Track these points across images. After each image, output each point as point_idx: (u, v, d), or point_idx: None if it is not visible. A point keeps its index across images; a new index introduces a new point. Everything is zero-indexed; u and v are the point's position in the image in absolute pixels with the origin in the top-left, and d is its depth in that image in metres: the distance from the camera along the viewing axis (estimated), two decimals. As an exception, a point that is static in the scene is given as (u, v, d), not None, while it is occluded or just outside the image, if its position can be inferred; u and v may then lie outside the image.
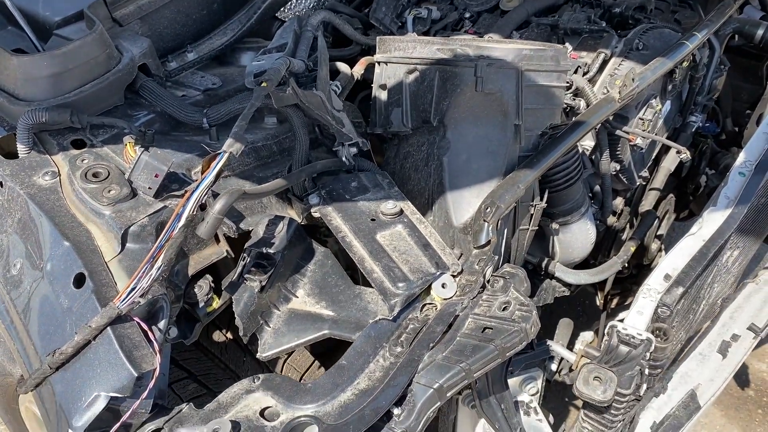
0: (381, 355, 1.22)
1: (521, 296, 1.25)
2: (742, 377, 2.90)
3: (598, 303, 2.43)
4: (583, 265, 1.96)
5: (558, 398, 2.60)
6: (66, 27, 1.56)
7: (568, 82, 1.65)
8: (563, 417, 2.64)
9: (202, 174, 1.16)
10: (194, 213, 1.13)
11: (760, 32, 2.16)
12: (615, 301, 2.45)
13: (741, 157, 1.81)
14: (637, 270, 2.31)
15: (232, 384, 1.20)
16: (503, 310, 1.24)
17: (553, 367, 1.70)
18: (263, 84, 1.31)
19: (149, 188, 1.24)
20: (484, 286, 1.30)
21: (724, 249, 1.79)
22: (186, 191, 1.16)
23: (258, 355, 1.32)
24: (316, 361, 1.68)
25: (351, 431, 1.09)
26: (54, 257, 1.19)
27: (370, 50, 1.99)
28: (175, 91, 1.61)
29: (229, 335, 1.63)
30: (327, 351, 1.72)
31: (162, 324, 1.18)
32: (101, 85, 1.43)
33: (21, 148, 1.35)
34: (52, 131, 1.40)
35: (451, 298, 1.29)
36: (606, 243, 2.09)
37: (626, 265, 2.07)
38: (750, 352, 1.66)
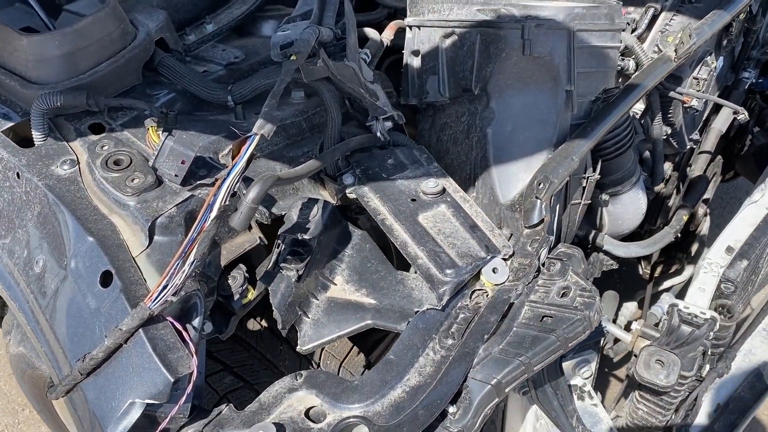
0: (431, 348, 1.13)
1: (581, 280, 1.16)
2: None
3: (641, 272, 2.32)
4: (630, 234, 1.85)
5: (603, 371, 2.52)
6: (77, 1, 1.45)
7: (620, 45, 1.52)
8: (602, 388, 2.56)
9: (232, 160, 1.07)
10: (226, 203, 1.04)
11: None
12: (659, 269, 2.35)
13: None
14: (682, 237, 2.19)
15: (269, 375, 1.13)
16: (562, 296, 1.14)
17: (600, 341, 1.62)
18: (292, 57, 1.20)
19: (176, 176, 1.15)
20: (539, 270, 1.21)
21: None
22: (216, 179, 1.07)
23: (298, 348, 1.24)
24: (355, 347, 1.60)
25: (404, 429, 1.01)
26: (78, 254, 1.11)
27: (397, 13, 1.86)
28: (195, 66, 1.51)
29: (264, 323, 1.56)
30: (365, 336, 1.64)
31: (196, 321, 1.10)
32: (117, 63, 1.33)
33: (36, 135, 1.26)
34: (68, 116, 1.30)
35: (504, 283, 1.19)
36: (653, 210, 1.97)
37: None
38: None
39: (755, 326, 1.54)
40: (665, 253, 2.21)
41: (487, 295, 1.20)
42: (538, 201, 1.24)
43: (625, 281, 2.83)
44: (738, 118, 1.68)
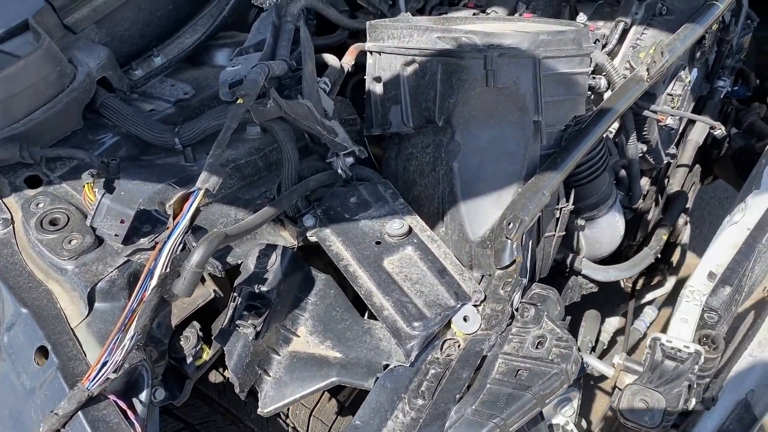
0: (400, 409, 1.06)
1: (557, 328, 1.08)
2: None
3: (622, 285, 2.27)
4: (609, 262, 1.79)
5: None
6: (10, 41, 1.36)
7: (589, 70, 1.45)
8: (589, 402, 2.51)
9: (173, 219, 0.98)
10: (167, 270, 0.95)
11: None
12: (640, 281, 2.29)
13: (783, 126, 1.62)
14: (664, 248, 2.14)
15: (234, 431, 1.05)
16: (538, 346, 1.07)
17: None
18: (239, 100, 1.12)
19: (116, 235, 1.06)
20: (512, 316, 1.13)
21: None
22: (156, 243, 0.98)
23: (259, 411, 1.16)
24: (326, 393, 1.52)
25: None
26: (11, 327, 1.01)
27: (360, 34, 1.78)
28: (142, 104, 1.42)
29: (228, 374, 1.47)
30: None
31: (144, 395, 1.01)
32: (54, 109, 1.24)
33: (-34, 193, 1.17)
34: (1, 168, 1.21)
35: (476, 332, 1.12)
36: (632, 226, 1.91)
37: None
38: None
39: (741, 352, 1.48)
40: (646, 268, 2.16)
41: (459, 346, 1.13)
42: (509, 241, 1.16)
43: (607, 295, 2.78)
44: (716, 133, 1.62)
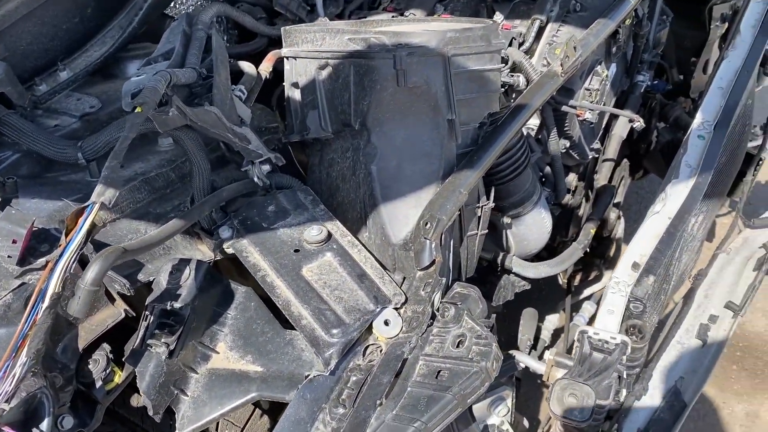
0: (321, 420, 1.02)
1: (477, 326, 1.07)
2: (712, 333, 2.82)
3: (560, 282, 2.29)
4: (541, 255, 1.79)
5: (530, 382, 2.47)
6: None
7: (503, 57, 1.45)
8: (536, 401, 2.52)
9: (66, 236, 0.93)
10: (59, 290, 0.90)
11: (700, -25, 2.00)
12: (578, 277, 2.32)
13: (698, 117, 1.65)
14: (597, 242, 2.16)
15: None
16: (458, 346, 1.05)
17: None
18: (137, 109, 1.07)
19: (9, 257, 1.00)
20: (433, 316, 1.11)
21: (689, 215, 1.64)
22: (48, 261, 0.93)
23: (177, 433, 1.11)
24: (257, 410, 1.47)
25: None
26: None
27: (279, 41, 1.75)
28: (46, 120, 1.35)
29: (149, 397, 1.41)
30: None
31: (45, 425, 0.95)
32: (-54, 128, 1.17)
33: None
34: None
35: (398, 335, 1.09)
36: (563, 222, 1.93)
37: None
38: (731, 332, 1.52)
39: (669, 341, 1.50)
40: (582, 261, 2.18)
41: (381, 350, 1.10)
42: (427, 242, 1.14)
43: (546, 293, 2.80)
44: (635, 126, 1.64)
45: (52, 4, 1.47)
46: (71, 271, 0.92)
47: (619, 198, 2.15)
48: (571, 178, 1.84)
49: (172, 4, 1.70)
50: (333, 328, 1.06)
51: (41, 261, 1.01)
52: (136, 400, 1.41)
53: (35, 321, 0.89)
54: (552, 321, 2.32)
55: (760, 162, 2.30)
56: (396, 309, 1.12)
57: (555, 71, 1.39)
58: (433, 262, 1.16)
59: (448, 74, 1.20)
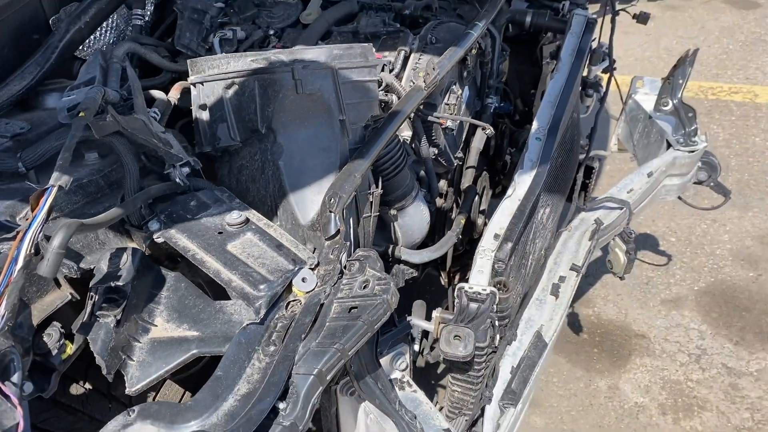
0: (255, 358, 1.23)
1: (377, 272, 1.33)
2: (575, 325, 3.25)
3: (443, 282, 2.61)
4: (423, 246, 2.10)
5: (425, 381, 2.74)
6: None
7: (378, 80, 1.77)
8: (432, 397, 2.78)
9: (32, 212, 1.10)
10: (31, 252, 1.07)
11: (528, 19, 2.47)
12: (457, 277, 2.64)
13: (534, 124, 2.06)
14: (470, 245, 2.51)
15: None
16: (364, 288, 1.31)
17: (416, 347, 1.81)
18: (81, 114, 1.27)
19: (-29, 241, 1.15)
20: (342, 272, 1.37)
21: (538, 207, 2.02)
22: (18, 232, 1.10)
23: (127, 391, 1.26)
24: (188, 393, 1.63)
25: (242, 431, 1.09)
26: None
27: (180, 77, 1.98)
28: (-23, 141, 1.49)
29: (88, 385, 1.54)
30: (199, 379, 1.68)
31: (15, 377, 1.09)
32: None
33: None
34: None
35: (314, 290, 1.33)
36: (439, 223, 2.25)
37: (461, 241, 2.25)
38: (576, 287, 1.89)
39: (530, 299, 1.84)
40: (458, 262, 2.51)
41: (300, 303, 1.33)
42: (332, 214, 1.41)
43: (436, 294, 3.11)
44: (486, 133, 2.02)
45: (-29, 45, 1.63)
46: (39, 239, 1.09)
47: (484, 206, 2.53)
48: (442, 184, 2.18)
49: (81, 47, 1.88)
50: (260, 285, 1.29)
51: (12, 233, 1.17)
52: (75, 389, 1.53)
53: (10, 280, 1.05)
54: (438, 312, 2.63)
55: (594, 171, 2.79)
56: (311, 269, 1.36)
57: (420, 86, 1.73)
58: (338, 232, 1.42)
59: (336, 83, 1.49)
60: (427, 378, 2.76)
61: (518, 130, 2.81)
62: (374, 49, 1.96)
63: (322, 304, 1.30)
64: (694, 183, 2.71)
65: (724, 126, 4.53)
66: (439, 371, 2.79)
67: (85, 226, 1.18)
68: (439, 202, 2.18)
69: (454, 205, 2.32)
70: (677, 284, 3.39)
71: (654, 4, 6.18)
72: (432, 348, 2.01)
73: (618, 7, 2.73)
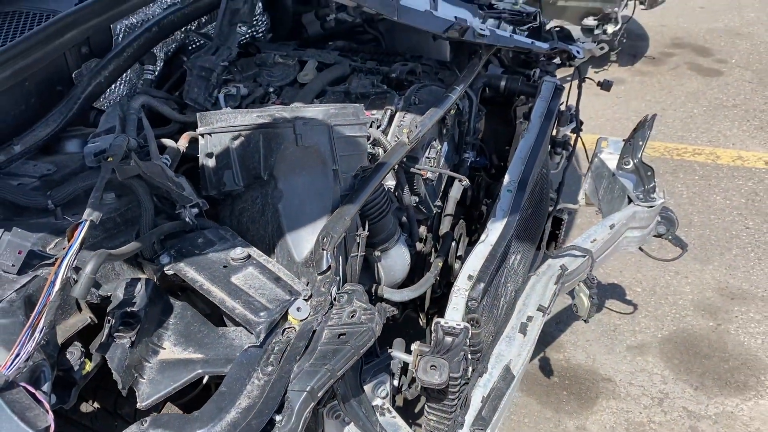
0: (255, 376, 1.39)
1: (363, 303, 1.52)
2: (546, 368, 3.42)
3: (421, 323, 2.78)
4: (404, 287, 2.28)
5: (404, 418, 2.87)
6: None
7: (367, 134, 1.99)
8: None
9: (69, 241, 1.28)
10: (67, 276, 1.24)
11: (502, 83, 2.73)
12: (435, 318, 2.81)
13: (506, 178, 2.28)
14: (448, 289, 2.69)
15: None
16: (351, 317, 1.49)
17: (395, 383, 1.97)
18: (109, 159, 1.46)
19: (12, 266, 1.32)
20: (332, 303, 1.55)
21: (509, 253, 2.23)
22: (56, 258, 1.27)
23: (139, 405, 1.41)
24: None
25: (242, 441, 1.25)
26: None
27: (187, 127, 2.18)
28: (9, 181, 1.67)
29: (96, 405, 1.68)
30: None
31: (46, 387, 1.25)
32: (-67, 181, 1.47)
33: None
34: None
35: (307, 318, 1.51)
36: (418, 266, 2.44)
37: (438, 284, 2.44)
38: (542, 326, 2.08)
39: (500, 336, 2.02)
40: (436, 305, 2.70)
41: (294, 330, 1.50)
42: (325, 252, 1.59)
43: (414, 337, 3.27)
44: (462, 184, 2.23)
45: (2, 96, 1.82)
46: (73, 266, 1.27)
47: (460, 252, 2.73)
48: (422, 230, 2.38)
49: (100, 98, 2.08)
50: (260, 312, 1.46)
51: (51, 260, 1.34)
52: (85, 407, 1.67)
53: (48, 300, 1.22)
54: (416, 344, 2.80)
55: (563, 222, 3.02)
56: (305, 300, 1.54)
57: (404, 141, 1.95)
58: (329, 267, 1.60)
59: (332, 138, 1.71)
60: (406, 416, 2.89)
61: (494, 183, 3.04)
62: (364, 108, 2.20)
63: (314, 331, 1.48)
64: (654, 236, 2.95)
65: (687, 185, 4.82)
66: (416, 410, 2.93)
67: (112, 255, 1.36)
68: (419, 246, 2.37)
69: (433, 250, 2.52)
70: (642, 332, 3.59)
71: (625, 69, 6.58)
72: (410, 385, 2.18)
73: (588, 72, 3.00)
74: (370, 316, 1.47)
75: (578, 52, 2.79)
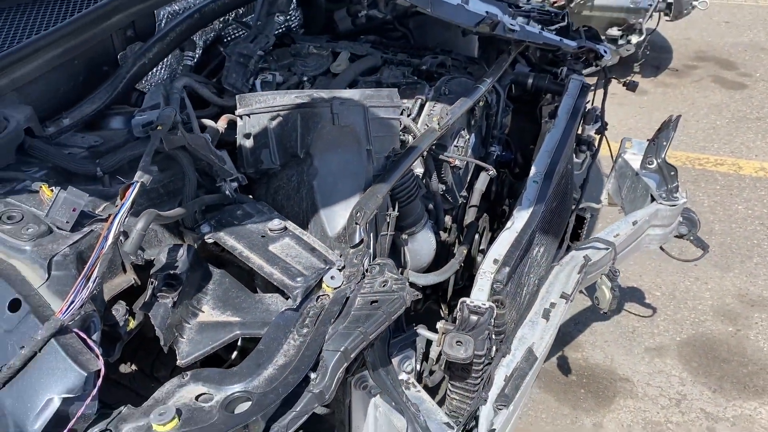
0: (291, 337, 1.45)
1: (395, 274, 1.58)
2: (564, 367, 3.45)
3: (443, 315, 2.82)
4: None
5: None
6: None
7: (400, 117, 2.06)
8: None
9: (121, 200, 1.35)
10: (119, 231, 1.32)
11: (530, 81, 2.79)
12: (456, 310, 2.86)
13: (533, 169, 2.34)
14: (470, 281, 2.74)
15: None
16: (383, 286, 1.55)
17: (418, 367, 2.01)
18: (159, 127, 1.54)
19: (66, 222, 1.39)
20: (364, 274, 1.61)
21: (533, 245, 2.28)
22: (109, 215, 1.34)
23: (178, 362, 1.48)
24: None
25: (279, 393, 1.31)
26: (-18, 290, 1.28)
27: (224, 111, 2.26)
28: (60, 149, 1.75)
29: (134, 367, 1.75)
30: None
31: (95, 336, 1.32)
32: (-6, 146, 1.56)
33: None
34: (-51, 191, 1.48)
35: (340, 286, 1.57)
36: (442, 256, 2.49)
37: (461, 275, 2.49)
38: (564, 313, 2.13)
39: (523, 320, 2.07)
40: (457, 297, 2.74)
41: (328, 297, 1.56)
42: (358, 226, 1.66)
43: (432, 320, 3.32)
44: (489, 173, 2.29)
45: (53, 72, 1.91)
46: (125, 222, 1.34)
47: (483, 245, 2.78)
48: (447, 219, 2.43)
49: (142, 80, 2.17)
50: (297, 277, 1.52)
51: (104, 217, 1.41)
52: (123, 368, 1.74)
53: (102, 253, 1.29)
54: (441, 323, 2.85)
55: (585, 221, 3.05)
56: (339, 270, 1.60)
57: (434, 127, 2.01)
58: (361, 241, 1.67)
59: (367, 119, 1.77)
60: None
61: (518, 182, 3.09)
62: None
63: (347, 298, 1.54)
64: (675, 236, 2.98)
65: (709, 194, 4.83)
66: (437, 399, 2.97)
67: (160, 216, 1.43)
68: (443, 236, 2.42)
69: (456, 242, 2.57)
70: (660, 334, 3.61)
71: (648, 80, 6.61)
72: (431, 372, 2.22)
73: (611, 83, 3.06)
74: (401, 285, 1.53)
75: (605, 52, 2.84)
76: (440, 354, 2.01)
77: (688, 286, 3.93)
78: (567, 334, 3.61)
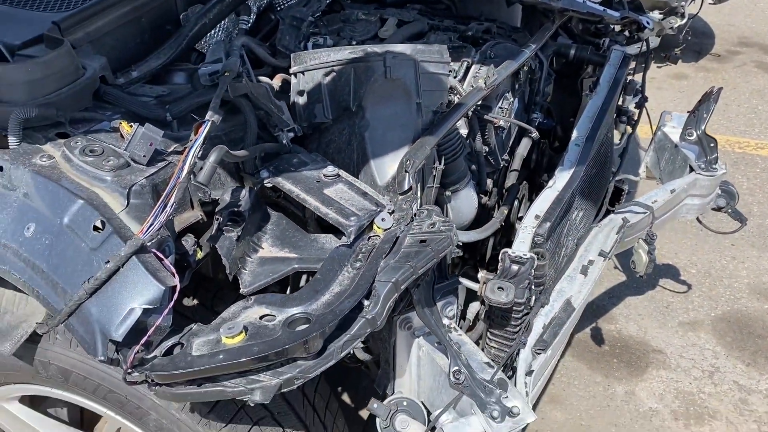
0: (345, 269, 1.56)
1: (442, 217, 1.67)
2: (597, 338, 3.51)
3: (477, 283, 2.90)
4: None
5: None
6: (26, 49, 1.79)
7: (449, 73, 2.13)
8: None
9: (195, 134, 1.47)
10: (194, 162, 1.43)
11: (572, 51, 2.84)
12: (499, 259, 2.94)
13: (574, 133, 2.40)
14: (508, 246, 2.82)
15: None
16: (431, 228, 1.64)
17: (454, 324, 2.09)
18: (226, 73, 1.65)
19: (144, 156, 1.51)
20: (413, 218, 1.70)
21: (572, 207, 2.35)
22: (185, 147, 1.46)
23: (242, 291, 1.60)
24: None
25: (336, 314, 1.42)
26: (70, 213, 1.41)
27: (277, 71, 2.37)
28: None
29: (196, 301, 1.88)
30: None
31: (170, 258, 1.44)
32: (75, 89, 1.68)
33: (12, 140, 1.55)
34: (35, 128, 1.62)
35: (390, 228, 1.67)
36: (482, 219, 2.57)
37: (499, 240, 2.56)
38: (602, 270, 2.19)
39: (562, 274, 2.14)
40: (494, 263, 2.82)
41: (379, 237, 1.66)
42: (407, 174, 1.75)
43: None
44: (532, 136, 2.36)
45: (122, 28, 2.04)
46: (198, 155, 1.46)
47: (522, 213, 2.84)
48: (489, 183, 2.51)
49: (201, 41, 2.29)
50: (351, 217, 1.62)
51: (180, 149, 1.53)
52: (186, 302, 1.87)
53: (178, 181, 1.41)
54: (475, 306, 2.93)
55: (623, 193, 3.10)
56: (389, 213, 1.70)
57: (480, 86, 2.09)
58: (410, 188, 1.76)
59: (417, 73, 1.86)
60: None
61: (556, 156, 3.15)
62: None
63: (397, 237, 1.64)
64: (713, 209, 3.00)
65: (749, 177, 4.81)
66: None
67: (229, 154, 1.54)
68: (483, 199, 2.50)
69: (496, 206, 2.65)
70: (695, 310, 3.64)
71: (688, 65, 6.54)
72: (470, 329, 2.31)
73: (651, 67, 3.08)
74: (449, 227, 1.62)
75: (648, 23, 2.87)
76: (480, 304, 2.10)
77: (725, 265, 3.95)
78: (601, 307, 3.67)
